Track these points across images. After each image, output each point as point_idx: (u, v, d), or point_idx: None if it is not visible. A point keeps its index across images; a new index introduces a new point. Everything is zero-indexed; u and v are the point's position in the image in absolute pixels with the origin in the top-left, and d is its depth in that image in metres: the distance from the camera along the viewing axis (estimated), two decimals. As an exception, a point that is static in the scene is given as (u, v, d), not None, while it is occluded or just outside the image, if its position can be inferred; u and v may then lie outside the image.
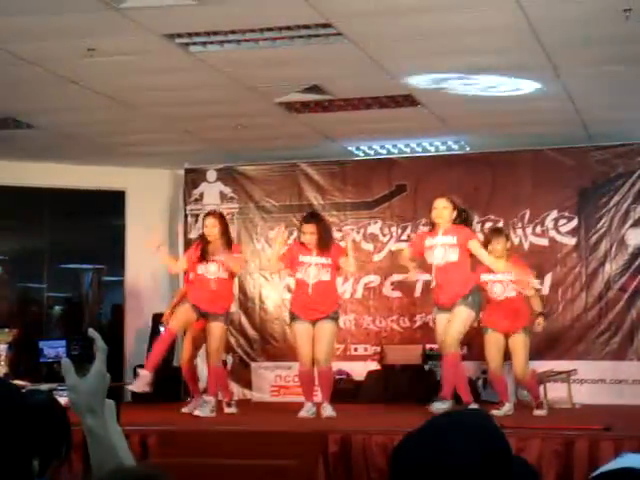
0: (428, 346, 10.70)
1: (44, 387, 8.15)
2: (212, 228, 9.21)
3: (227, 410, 9.40)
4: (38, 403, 3.33)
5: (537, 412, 9.01)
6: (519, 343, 8.94)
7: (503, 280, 8.92)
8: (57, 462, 3.38)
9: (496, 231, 9.39)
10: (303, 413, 8.92)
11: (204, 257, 9.17)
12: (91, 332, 2.19)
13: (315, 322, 8.98)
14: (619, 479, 1.85)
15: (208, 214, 9.54)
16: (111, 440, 2.12)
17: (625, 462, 1.87)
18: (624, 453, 1.95)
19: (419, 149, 11.43)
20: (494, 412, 8.31)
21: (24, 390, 4.47)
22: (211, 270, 9.20)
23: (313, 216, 9.39)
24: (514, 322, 8.93)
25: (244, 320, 11.64)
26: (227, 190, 11.88)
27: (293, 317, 9.15)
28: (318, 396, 9.17)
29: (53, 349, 10.78)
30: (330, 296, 9.09)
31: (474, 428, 1.83)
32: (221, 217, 9.41)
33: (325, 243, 9.04)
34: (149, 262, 11.12)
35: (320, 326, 8.97)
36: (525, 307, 9.08)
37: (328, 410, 8.87)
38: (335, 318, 9.12)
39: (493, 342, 8.97)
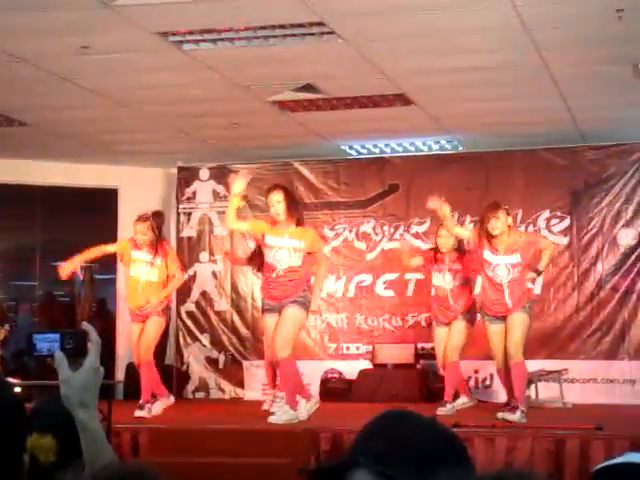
0: (420, 345, 10.71)
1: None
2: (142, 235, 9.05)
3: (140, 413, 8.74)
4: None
5: (508, 415, 8.10)
6: (516, 320, 8.39)
7: (508, 263, 8.40)
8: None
9: (493, 206, 8.65)
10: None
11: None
12: (85, 325, 2.19)
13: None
14: (620, 472, 1.85)
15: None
16: (103, 434, 2.12)
17: (631, 457, 1.88)
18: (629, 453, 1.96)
19: (412, 148, 11.42)
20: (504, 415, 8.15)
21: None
22: (141, 270, 9.11)
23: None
24: (515, 305, 8.42)
25: (236, 318, 11.62)
26: (220, 188, 11.85)
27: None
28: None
29: (46, 343, 10.74)
30: None
31: (423, 420, 1.86)
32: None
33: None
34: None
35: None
36: (526, 287, 8.64)
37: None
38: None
39: (498, 333, 8.47)
